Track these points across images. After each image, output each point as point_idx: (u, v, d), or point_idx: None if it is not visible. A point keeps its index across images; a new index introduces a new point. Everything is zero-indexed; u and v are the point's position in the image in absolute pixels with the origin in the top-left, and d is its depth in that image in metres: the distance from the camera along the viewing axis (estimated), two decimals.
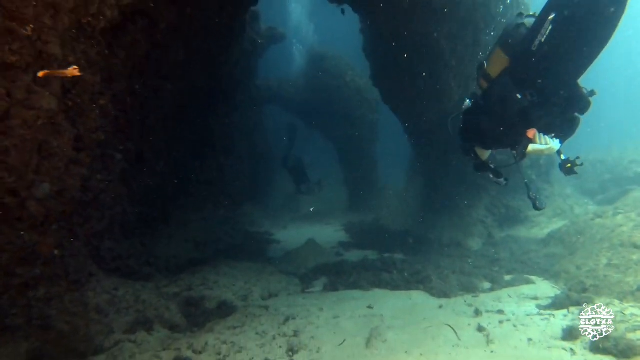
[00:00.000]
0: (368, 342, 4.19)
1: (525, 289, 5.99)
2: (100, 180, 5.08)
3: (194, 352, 4.00)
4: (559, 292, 5.52)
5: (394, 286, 6.52)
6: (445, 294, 5.90)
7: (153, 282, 5.51)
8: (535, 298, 5.45)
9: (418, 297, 5.93)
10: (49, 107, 3.56)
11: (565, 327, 4.04)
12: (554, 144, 3.55)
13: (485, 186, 10.16)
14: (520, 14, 3.61)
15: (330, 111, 17.03)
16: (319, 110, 17.31)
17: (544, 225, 10.22)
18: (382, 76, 10.27)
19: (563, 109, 3.46)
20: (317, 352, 4.06)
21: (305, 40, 22.44)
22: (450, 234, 9.84)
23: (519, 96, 3.29)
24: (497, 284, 6.35)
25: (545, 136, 3.53)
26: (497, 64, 3.62)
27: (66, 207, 4.44)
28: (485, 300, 5.58)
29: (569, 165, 3.62)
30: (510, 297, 5.66)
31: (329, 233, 13.99)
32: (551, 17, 3.08)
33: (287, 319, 4.87)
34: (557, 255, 7.21)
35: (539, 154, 3.57)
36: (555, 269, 6.67)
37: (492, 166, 4.04)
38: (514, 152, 3.46)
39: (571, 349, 3.57)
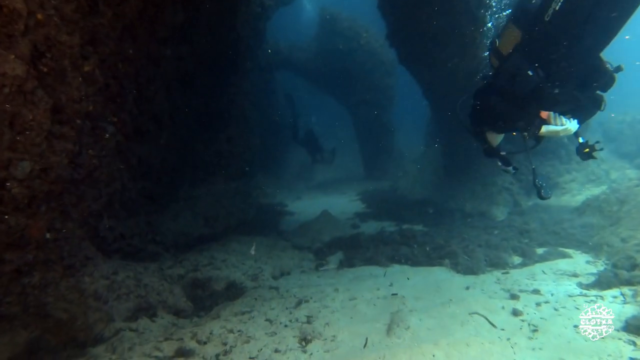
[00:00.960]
0: (389, 329, 3.76)
1: (562, 264, 5.45)
2: (92, 155, 4.64)
3: (198, 342, 3.63)
4: (602, 268, 4.97)
5: (414, 262, 6.06)
6: (472, 271, 5.42)
7: (157, 264, 5.17)
8: (575, 275, 4.91)
9: (441, 274, 5.46)
10: (14, 72, 3.07)
11: (619, 312, 3.52)
12: (570, 124, 3.24)
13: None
14: None
15: (344, 76, 16.22)
16: (332, 75, 16.52)
17: (575, 192, 9.54)
18: (399, 35, 9.46)
19: (582, 86, 3.17)
20: (332, 340, 3.65)
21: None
22: (473, 203, 9.27)
23: (530, 73, 3.02)
24: (528, 258, 5.83)
25: (562, 117, 3.23)
26: (509, 40, 3.31)
27: (53, 187, 4.03)
28: (518, 277, 5.08)
29: (587, 149, 3.38)
30: (545, 273, 5.14)
31: (344, 203, 13.56)
32: None
33: (299, 302, 4.47)
34: (595, 226, 6.60)
35: (553, 135, 3.26)
36: (594, 240, 6.08)
37: (502, 153, 3.78)
38: (526, 134, 3.20)
39: (632, 341, 3.06)
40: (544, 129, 3.14)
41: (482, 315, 3.82)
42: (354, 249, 7.11)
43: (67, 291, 4.21)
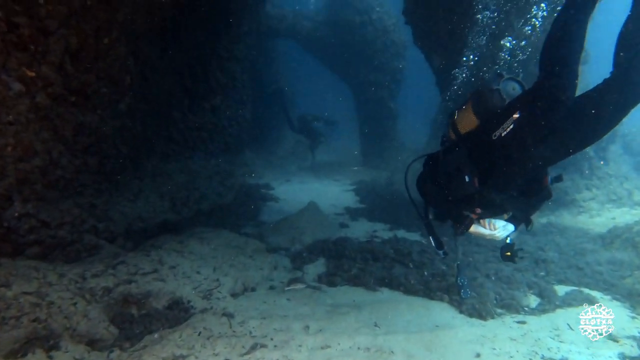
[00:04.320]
0: None
1: (591, 315, 4.36)
2: None
3: None
4: None
5: (409, 289, 4.97)
6: (479, 314, 4.34)
7: (81, 268, 4.01)
8: (613, 339, 3.84)
9: (442, 314, 4.38)
10: None
11: None
12: (502, 230, 3.09)
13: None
14: (500, 75, 3.00)
15: (350, 52, 14.80)
16: (338, 49, 15.08)
17: (594, 213, 8.43)
18: (418, 11, 8.12)
19: (519, 196, 3.06)
20: None
21: None
22: None
23: (467, 179, 2.83)
24: (547, 301, 4.76)
25: (494, 221, 3.10)
26: (466, 122, 3.05)
27: None
28: (538, 331, 4.01)
29: (509, 253, 3.18)
30: (571, 329, 4.07)
31: (335, 192, 12.43)
32: (516, 116, 2.70)
33: (254, 347, 3.37)
34: (628, 264, 5.52)
35: (480, 236, 3.12)
36: (629, 284, 5.02)
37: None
38: (454, 227, 3.08)
39: None
40: (473, 228, 3.03)
41: None
42: (338, 260, 6.02)
43: None
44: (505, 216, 3.20)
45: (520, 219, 3.13)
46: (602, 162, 8.92)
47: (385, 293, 4.99)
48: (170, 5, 6.12)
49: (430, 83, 10.25)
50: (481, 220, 3.06)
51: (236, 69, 10.78)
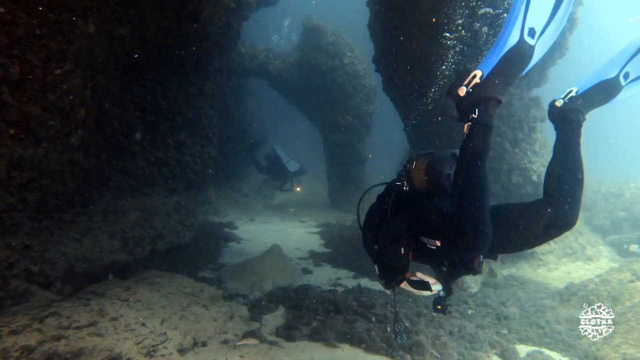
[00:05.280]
0: None
1: None
2: None
3: None
4: None
5: (370, 347, 4.72)
6: None
7: None
8: None
9: None
10: None
11: None
12: (432, 288, 3.09)
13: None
14: (454, 156, 2.77)
15: (321, 94, 15.01)
16: (308, 91, 15.26)
17: (552, 266, 8.60)
18: (387, 59, 8.32)
19: (448, 267, 3.05)
20: None
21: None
22: None
23: (402, 251, 2.78)
24: None
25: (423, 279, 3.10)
26: (418, 180, 2.89)
27: None
28: None
29: (440, 307, 3.16)
30: None
31: (300, 234, 12.16)
32: (437, 243, 2.69)
33: None
34: None
35: (409, 292, 3.14)
36: (584, 346, 4.98)
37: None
38: (386, 280, 3.02)
39: None
40: (404, 285, 3.00)
41: None
42: (299, 310, 5.72)
43: None
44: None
45: (444, 285, 3.16)
46: None
47: (345, 350, 4.72)
48: (134, 40, 5.97)
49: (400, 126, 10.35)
50: (411, 277, 3.06)
51: (204, 105, 10.62)
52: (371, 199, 3.43)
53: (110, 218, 7.14)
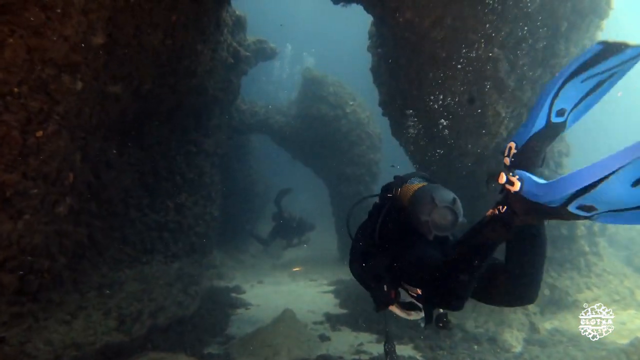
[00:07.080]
0: None
1: None
2: None
3: None
4: None
5: None
6: None
7: None
8: None
9: None
10: None
11: None
12: (416, 314, 3.00)
13: None
14: (433, 200, 2.66)
15: (324, 145, 14.69)
16: (311, 143, 14.96)
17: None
18: (394, 103, 7.98)
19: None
20: None
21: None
22: (477, 320, 7.24)
23: (384, 288, 2.80)
24: None
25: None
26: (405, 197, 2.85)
27: None
28: None
29: (441, 324, 2.91)
30: None
31: (312, 295, 11.27)
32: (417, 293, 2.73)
33: None
34: None
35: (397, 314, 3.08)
36: None
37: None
38: (377, 302, 2.95)
39: None
40: (392, 307, 3.00)
41: None
42: None
43: None
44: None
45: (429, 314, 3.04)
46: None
47: None
48: (129, 99, 5.61)
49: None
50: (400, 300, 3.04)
51: (205, 164, 10.22)
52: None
53: (105, 293, 6.44)
